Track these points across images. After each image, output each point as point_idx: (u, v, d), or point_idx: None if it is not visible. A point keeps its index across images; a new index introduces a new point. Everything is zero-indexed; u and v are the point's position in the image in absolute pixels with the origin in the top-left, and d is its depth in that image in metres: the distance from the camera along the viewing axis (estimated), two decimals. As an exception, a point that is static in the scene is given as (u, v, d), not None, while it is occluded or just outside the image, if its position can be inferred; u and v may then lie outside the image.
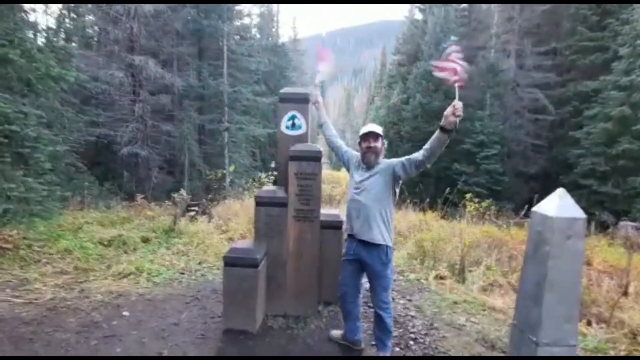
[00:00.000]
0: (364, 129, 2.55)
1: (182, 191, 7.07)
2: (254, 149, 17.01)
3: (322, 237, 3.12)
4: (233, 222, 6.83)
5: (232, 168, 13.08)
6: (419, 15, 24.43)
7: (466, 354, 2.82)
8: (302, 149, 3.00)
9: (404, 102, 19.45)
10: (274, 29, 29.31)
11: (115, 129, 11.17)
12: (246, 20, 21.56)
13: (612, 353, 2.99)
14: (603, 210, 11.46)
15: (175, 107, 13.39)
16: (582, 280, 1.66)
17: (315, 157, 2.99)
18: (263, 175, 9.76)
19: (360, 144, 2.55)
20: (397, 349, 2.84)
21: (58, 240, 4.47)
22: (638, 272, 4.48)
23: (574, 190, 13.36)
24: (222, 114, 13.68)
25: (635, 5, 13.59)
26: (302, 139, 3.16)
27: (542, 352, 1.64)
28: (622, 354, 2.98)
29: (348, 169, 2.73)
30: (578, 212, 1.60)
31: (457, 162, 15.61)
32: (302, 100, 3.17)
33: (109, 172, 11.41)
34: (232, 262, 2.86)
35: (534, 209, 1.73)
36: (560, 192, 1.68)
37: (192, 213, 6.92)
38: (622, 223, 8.25)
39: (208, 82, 12.91)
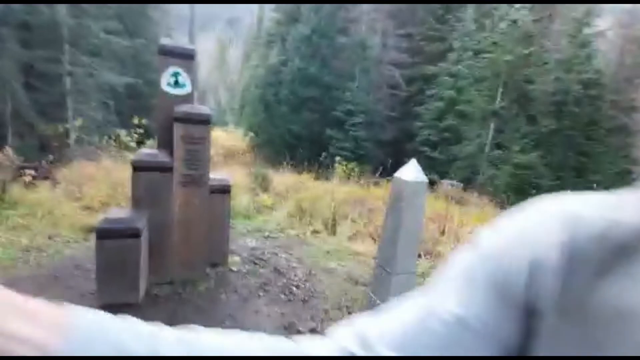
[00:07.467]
0: None
1: (8, 149, 5.60)
2: (108, 100, 14.23)
3: (210, 201, 3.11)
4: (88, 187, 5.86)
5: (78, 122, 10.75)
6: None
7: (337, 291, 3.43)
8: (190, 111, 2.84)
9: (283, 64, 19.42)
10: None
11: None
12: None
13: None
14: (432, 172, 14.71)
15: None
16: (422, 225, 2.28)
17: (205, 120, 2.88)
18: (123, 132, 8.47)
19: None
20: (282, 295, 3.22)
21: None
22: (451, 217, 6.16)
23: (414, 155, 16.39)
24: (60, 51, 10.81)
25: (468, 6, 16.81)
26: (187, 99, 2.96)
27: (395, 280, 2.22)
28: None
29: None
30: (423, 177, 2.16)
31: (329, 127, 16.97)
32: (187, 57, 2.93)
33: None
34: (107, 233, 2.58)
35: (395, 175, 2.23)
36: (412, 162, 2.22)
37: (29, 178, 5.59)
38: (442, 181, 10.85)
39: (36, 6, 9.83)
